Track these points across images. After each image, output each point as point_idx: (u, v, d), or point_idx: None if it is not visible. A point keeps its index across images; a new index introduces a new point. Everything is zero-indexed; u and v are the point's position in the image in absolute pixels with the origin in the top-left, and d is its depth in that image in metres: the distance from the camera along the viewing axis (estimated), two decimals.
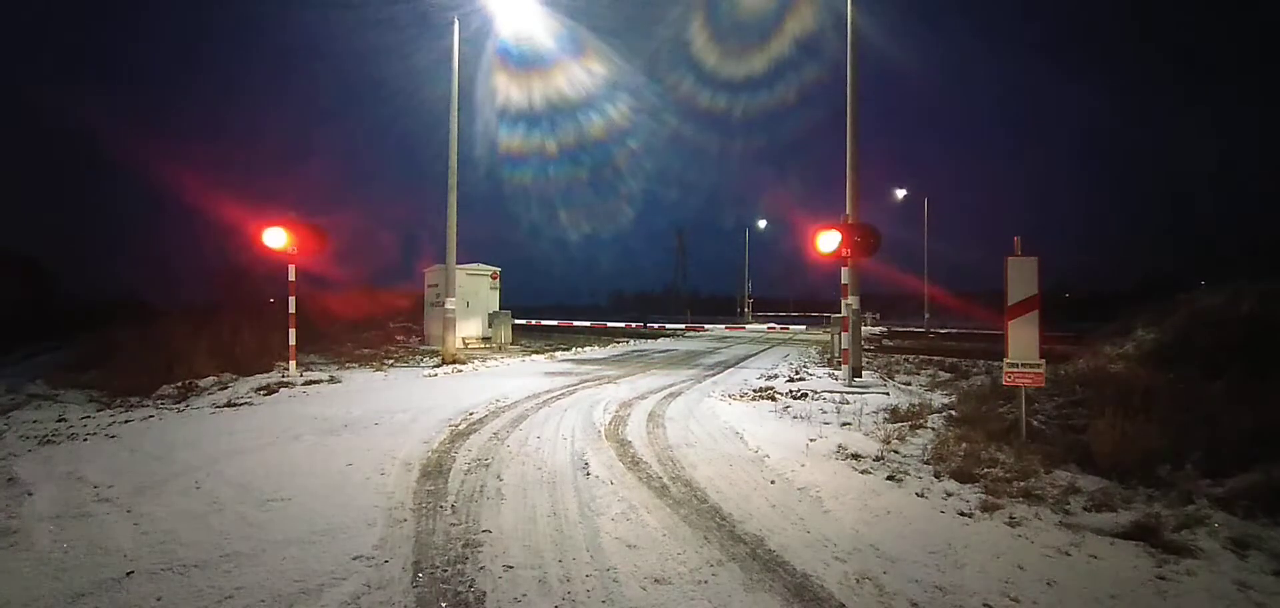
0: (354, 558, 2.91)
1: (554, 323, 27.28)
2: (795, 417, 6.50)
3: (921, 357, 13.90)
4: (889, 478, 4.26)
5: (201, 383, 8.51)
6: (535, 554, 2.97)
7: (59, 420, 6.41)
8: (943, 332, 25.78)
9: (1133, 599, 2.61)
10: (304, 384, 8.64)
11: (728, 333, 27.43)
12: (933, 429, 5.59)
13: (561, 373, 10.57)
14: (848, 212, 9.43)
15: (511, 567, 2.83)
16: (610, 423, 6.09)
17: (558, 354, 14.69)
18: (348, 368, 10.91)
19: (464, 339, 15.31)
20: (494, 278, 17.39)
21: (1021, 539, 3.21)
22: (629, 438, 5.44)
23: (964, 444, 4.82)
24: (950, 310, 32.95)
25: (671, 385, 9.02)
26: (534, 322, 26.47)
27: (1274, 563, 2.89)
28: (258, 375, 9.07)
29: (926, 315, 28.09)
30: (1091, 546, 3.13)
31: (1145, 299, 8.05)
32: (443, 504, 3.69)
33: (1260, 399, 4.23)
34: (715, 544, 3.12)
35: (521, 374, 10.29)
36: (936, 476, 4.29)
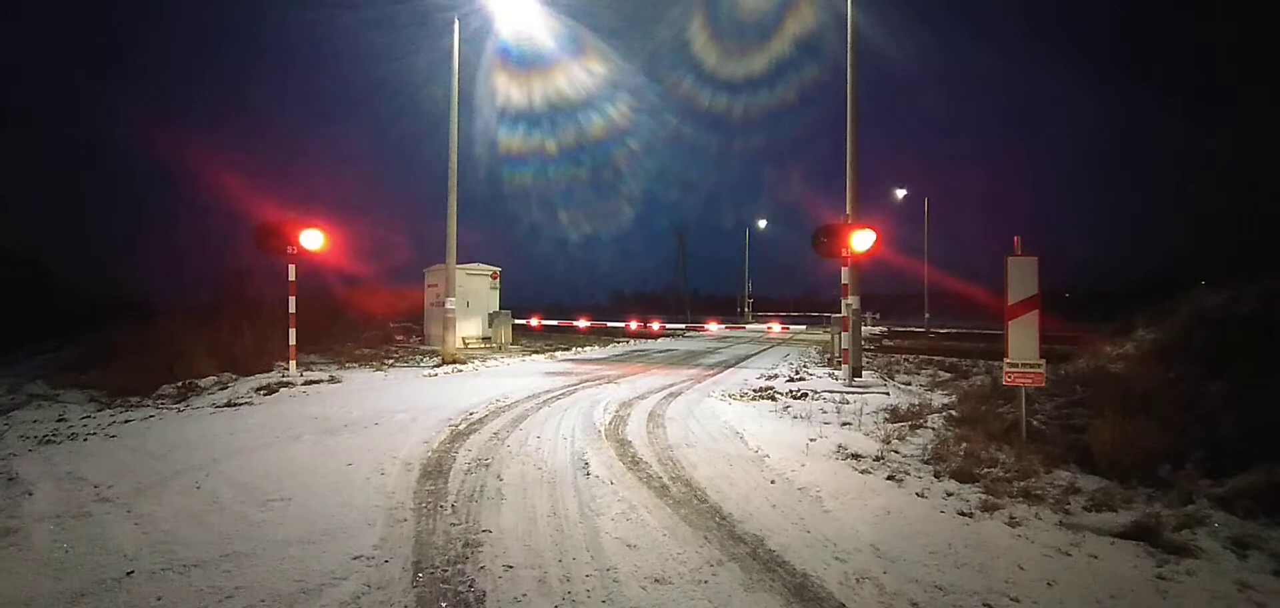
0: (354, 558, 2.91)
1: (554, 323, 27.26)
2: (795, 417, 6.49)
3: (922, 356, 13.91)
4: (889, 478, 4.26)
5: (201, 383, 8.51)
6: (535, 554, 2.97)
7: (59, 420, 6.41)
8: (943, 331, 25.78)
9: (1133, 599, 2.61)
10: (304, 384, 8.64)
11: (728, 333, 27.42)
12: (933, 429, 5.59)
13: (561, 373, 10.57)
14: (848, 211, 9.44)
15: (511, 567, 2.83)
16: (610, 423, 6.09)
17: (558, 354, 14.70)
18: (348, 368, 10.92)
19: (464, 339, 15.32)
20: (494, 278, 17.39)
21: (1021, 539, 3.21)
22: (629, 438, 5.44)
23: (964, 444, 4.82)
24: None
25: (671, 385, 9.02)
26: (534, 323, 26.45)
27: (1274, 563, 2.88)
28: (258, 375, 9.07)
29: (926, 315, 28.08)
30: (1091, 546, 3.13)
31: (1146, 298, 8.04)
32: (443, 504, 3.69)
33: (1260, 399, 4.22)
34: (715, 544, 3.12)
35: (521, 374, 10.29)
36: (936, 475, 4.29)
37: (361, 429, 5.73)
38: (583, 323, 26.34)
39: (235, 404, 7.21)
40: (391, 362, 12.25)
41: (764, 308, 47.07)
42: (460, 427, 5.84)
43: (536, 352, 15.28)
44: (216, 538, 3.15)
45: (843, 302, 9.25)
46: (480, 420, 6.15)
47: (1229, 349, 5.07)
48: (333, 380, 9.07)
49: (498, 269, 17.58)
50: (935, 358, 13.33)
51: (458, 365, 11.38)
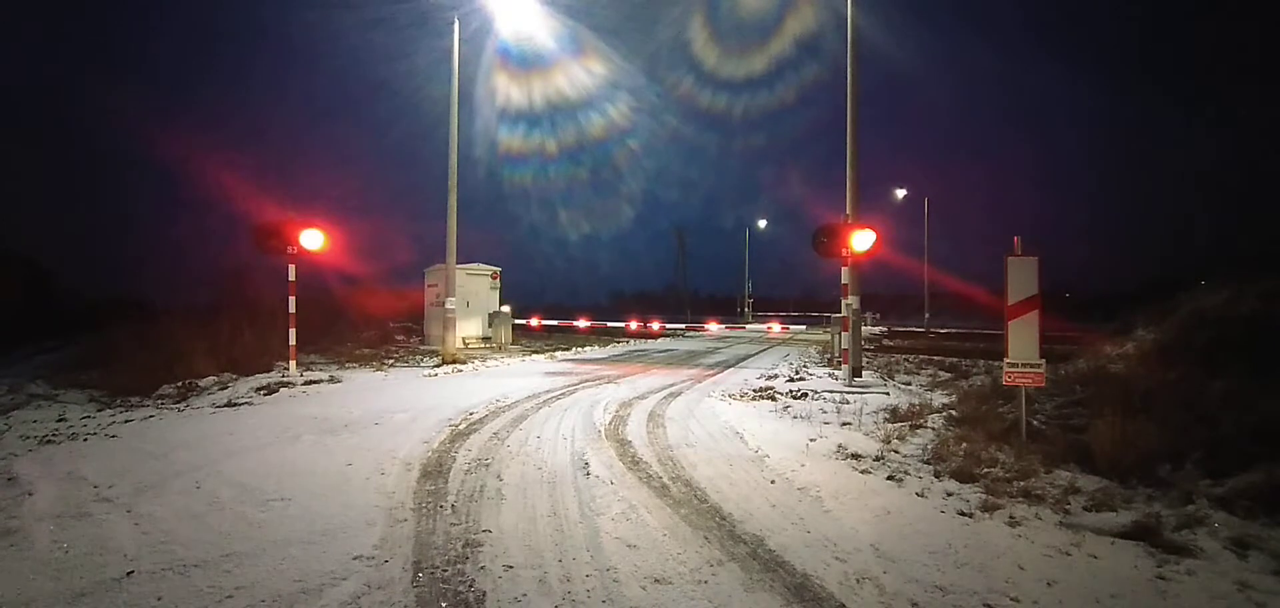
0: (354, 558, 2.91)
1: (554, 323, 27.28)
2: (795, 417, 6.49)
3: (921, 356, 13.91)
4: (889, 478, 4.26)
5: (201, 383, 8.51)
6: (535, 554, 2.97)
7: (59, 420, 6.41)
8: (943, 331, 25.78)
9: (1133, 599, 2.61)
10: (304, 384, 8.64)
11: (728, 333, 27.42)
12: (933, 429, 5.59)
13: (561, 373, 10.57)
14: (848, 211, 9.44)
15: (512, 567, 2.83)
16: (610, 423, 6.09)
17: (558, 354, 14.70)
18: (348, 368, 10.92)
19: (464, 339, 15.32)
20: (494, 278, 17.40)
21: (1021, 539, 3.21)
22: (629, 438, 5.44)
23: (964, 444, 4.82)
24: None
25: (671, 385, 9.02)
26: (534, 323, 26.52)
27: (1274, 563, 2.89)
28: (258, 375, 9.08)
29: (926, 315, 28.09)
30: (1091, 546, 3.13)
31: (1146, 299, 8.04)
32: (443, 504, 3.69)
33: (1260, 399, 4.22)
34: (715, 544, 3.12)
35: (521, 374, 10.29)
36: (936, 475, 4.29)
37: (361, 429, 5.73)
38: (583, 323, 26.33)
39: (235, 404, 7.21)
40: (391, 362, 12.24)
41: (764, 308, 47.13)
42: (460, 427, 5.84)
43: (536, 352, 15.28)
44: (216, 538, 3.15)
45: (843, 302, 9.25)
46: (480, 421, 6.15)
47: (1229, 349, 5.07)
48: (333, 380, 9.07)
49: (498, 269, 17.58)
50: (935, 358, 13.33)
51: (458, 366, 11.38)
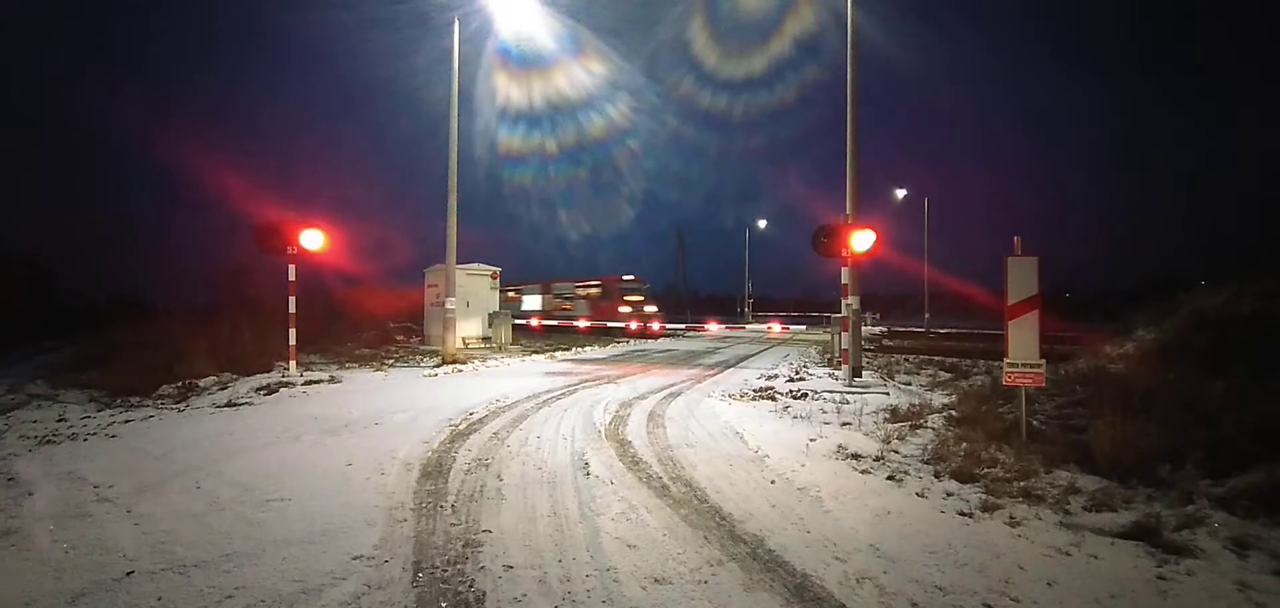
0: (354, 558, 2.91)
1: (554, 323, 27.32)
2: (795, 417, 6.49)
3: (921, 357, 13.91)
4: (889, 478, 4.26)
5: (201, 383, 8.51)
6: (535, 554, 2.97)
7: (59, 420, 6.41)
8: (943, 332, 25.78)
9: (1133, 599, 2.61)
10: (304, 384, 8.64)
11: (728, 333, 27.44)
12: (933, 429, 5.59)
13: (561, 373, 10.57)
14: (848, 211, 9.44)
15: (511, 567, 2.83)
16: (610, 423, 6.09)
17: (558, 354, 14.69)
18: (348, 368, 10.92)
19: (464, 339, 15.32)
20: (494, 278, 17.42)
21: (1021, 539, 3.21)
22: (629, 438, 5.44)
23: (964, 444, 4.82)
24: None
25: (671, 385, 9.02)
26: (534, 323, 26.59)
27: (1274, 563, 2.89)
28: (258, 375, 9.07)
29: (926, 315, 28.09)
30: (1091, 546, 3.13)
31: (1146, 298, 8.04)
32: (443, 504, 3.69)
33: (1260, 399, 4.22)
34: (715, 544, 3.12)
35: (521, 374, 10.29)
36: (936, 475, 4.29)
37: (361, 429, 5.73)
38: (582, 323, 26.34)
39: (235, 404, 7.21)
40: (391, 362, 12.24)
41: (764, 308, 47.14)
42: (460, 427, 5.84)
43: (536, 352, 15.27)
44: (216, 538, 3.15)
45: (843, 302, 9.25)
46: (480, 421, 6.15)
47: (1229, 349, 5.07)
48: (333, 380, 9.07)
49: (498, 269, 17.62)
50: (935, 358, 13.33)
51: (458, 366, 11.38)
